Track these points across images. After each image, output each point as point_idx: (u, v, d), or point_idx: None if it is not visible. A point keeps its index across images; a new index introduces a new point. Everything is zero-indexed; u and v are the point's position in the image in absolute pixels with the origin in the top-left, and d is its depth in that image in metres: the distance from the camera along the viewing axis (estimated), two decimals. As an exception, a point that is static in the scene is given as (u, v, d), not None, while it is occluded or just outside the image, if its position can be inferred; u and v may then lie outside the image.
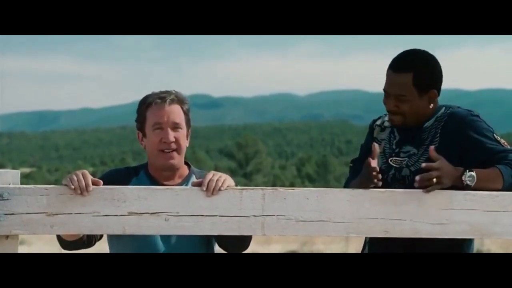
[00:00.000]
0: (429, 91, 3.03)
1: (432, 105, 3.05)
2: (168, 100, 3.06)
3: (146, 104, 3.10)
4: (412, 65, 3.01)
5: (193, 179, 3.09)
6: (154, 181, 3.09)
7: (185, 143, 3.10)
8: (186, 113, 3.11)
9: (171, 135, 3.04)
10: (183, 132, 3.08)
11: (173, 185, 3.06)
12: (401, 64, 3.02)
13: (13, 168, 3.05)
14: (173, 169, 3.09)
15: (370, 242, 3.18)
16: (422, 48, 3.10)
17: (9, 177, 2.68)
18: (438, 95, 3.08)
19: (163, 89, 3.13)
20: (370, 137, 3.21)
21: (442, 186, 2.72)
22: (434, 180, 2.70)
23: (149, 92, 3.16)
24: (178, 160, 3.08)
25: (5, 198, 2.63)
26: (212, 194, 2.69)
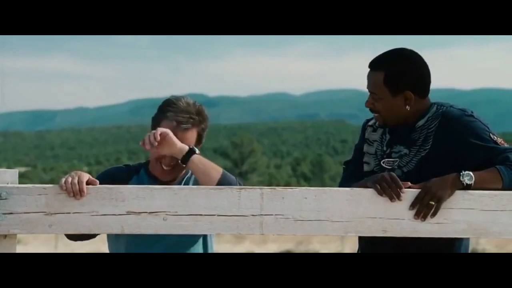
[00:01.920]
0: (404, 92, 2.99)
1: (408, 106, 3.00)
2: (182, 128, 3.03)
3: (163, 114, 3.07)
4: (384, 64, 3.00)
5: (189, 173, 3.13)
6: (154, 179, 3.10)
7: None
8: (200, 133, 3.09)
9: (170, 163, 3.06)
10: None
11: (171, 182, 3.10)
12: (375, 62, 3.03)
13: (8, 167, 3.05)
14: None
15: (360, 246, 3.15)
16: (416, 46, 3.08)
17: (8, 176, 2.69)
18: (422, 95, 3.02)
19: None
20: (362, 138, 3.18)
21: (442, 200, 2.71)
22: (432, 202, 2.70)
23: (174, 94, 3.15)
24: (175, 174, 3.11)
25: (4, 198, 2.63)
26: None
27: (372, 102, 3.04)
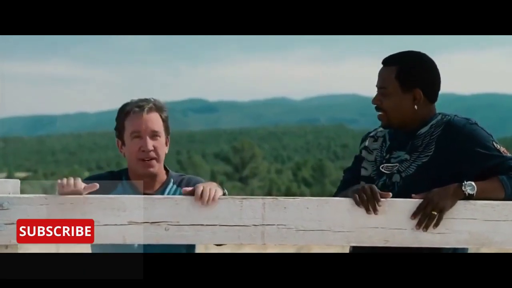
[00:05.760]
0: (414, 90, 2.99)
1: (417, 107, 3.00)
2: (146, 109, 3.08)
3: (124, 112, 3.13)
4: (399, 60, 3.02)
5: (171, 184, 3.13)
6: (134, 188, 3.09)
7: (164, 151, 3.12)
8: (164, 121, 3.13)
9: (150, 143, 3.06)
10: (161, 140, 3.10)
11: (152, 192, 3.08)
12: (390, 58, 3.05)
13: (9, 172, 3.04)
14: (153, 177, 3.11)
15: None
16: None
17: (9, 186, 2.69)
18: (431, 99, 3.02)
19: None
20: (362, 147, 3.18)
21: (444, 210, 2.72)
22: (434, 213, 2.71)
23: (130, 99, 3.18)
24: (157, 167, 3.10)
25: (5, 208, 2.63)
26: (207, 204, 2.68)
27: (380, 98, 3.03)
